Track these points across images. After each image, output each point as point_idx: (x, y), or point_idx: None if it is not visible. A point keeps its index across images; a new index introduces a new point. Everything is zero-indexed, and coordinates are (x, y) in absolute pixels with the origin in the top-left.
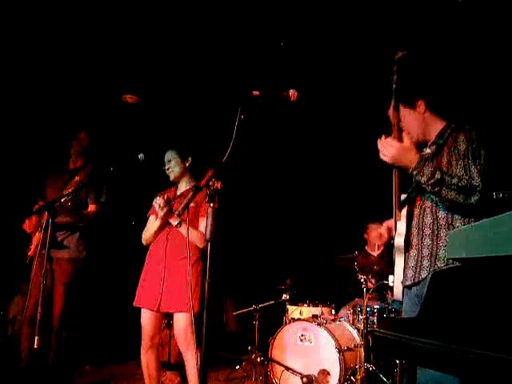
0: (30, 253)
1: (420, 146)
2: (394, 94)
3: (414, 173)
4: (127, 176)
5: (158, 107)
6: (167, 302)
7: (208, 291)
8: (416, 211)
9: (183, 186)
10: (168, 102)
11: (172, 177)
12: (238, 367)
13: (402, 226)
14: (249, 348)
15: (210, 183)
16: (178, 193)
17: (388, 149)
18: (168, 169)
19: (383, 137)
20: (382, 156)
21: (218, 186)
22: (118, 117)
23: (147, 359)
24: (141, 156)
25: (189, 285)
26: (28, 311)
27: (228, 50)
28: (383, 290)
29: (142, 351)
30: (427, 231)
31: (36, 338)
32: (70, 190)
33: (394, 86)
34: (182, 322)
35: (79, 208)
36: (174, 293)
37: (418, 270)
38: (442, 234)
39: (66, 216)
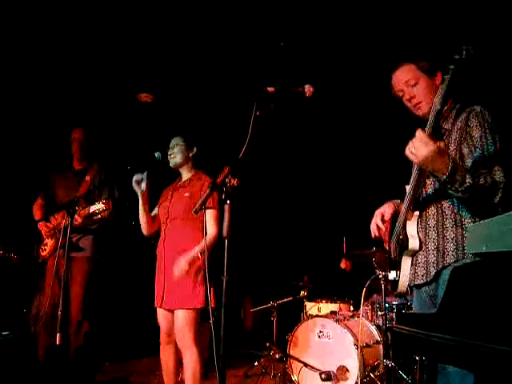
0: (44, 253)
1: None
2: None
3: (447, 180)
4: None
5: (173, 106)
6: (169, 298)
7: (225, 288)
8: (420, 199)
9: (184, 176)
10: (183, 100)
11: (172, 163)
12: (256, 363)
13: (413, 228)
14: (267, 344)
15: (227, 180)
16: (180, 183)
17: (420, 147)
18: (170, 154)
19: (419, 131)
20: (408, 152)
21: (235, 183)
22: (134, 115)
23: (165, 355)
24: (157, 154)
25: (190, 279)
26: (44, 310)
27: (243, 46)
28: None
29: (161, 347)
30: (432, 223)
31: (58, 335)
32: (86, 190)
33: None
34: (179, 319)
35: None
36: (174, 288)
37: (426, 266)
38: (447, 225)
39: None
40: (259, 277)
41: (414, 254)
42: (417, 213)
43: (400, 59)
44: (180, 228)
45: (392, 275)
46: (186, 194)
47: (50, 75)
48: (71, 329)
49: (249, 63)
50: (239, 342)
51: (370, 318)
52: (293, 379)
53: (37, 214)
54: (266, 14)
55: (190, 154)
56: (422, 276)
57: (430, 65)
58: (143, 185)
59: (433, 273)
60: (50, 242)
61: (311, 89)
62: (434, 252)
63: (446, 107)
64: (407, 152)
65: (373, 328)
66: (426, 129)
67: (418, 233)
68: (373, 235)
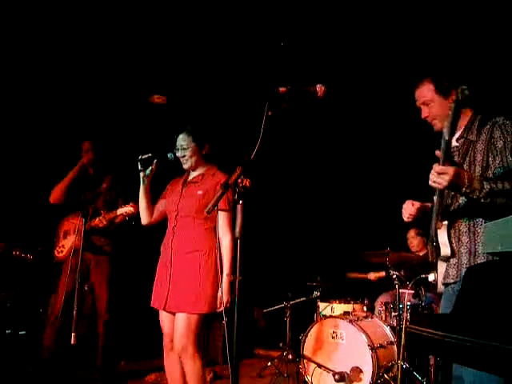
0: (61, 255)
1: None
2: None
3: (467, 191)
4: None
5: (185, 107)
6: (173, 300)
7: (238, 288)
8: (450, 209)
9: (196, 172)
10: (196, 101)
11: (188, 166)
12: (269, 364)
13: (443, 236)
14: (280, 345)
15: (239, 181)
16: (190, 177)
17: (442, 177)
18: (184, 156)
19: (436, 166)
20: (432, 183)
21: (247, 183)
22: (147, 117)
23: (170, 363)
24: (170, 155)
25: (197, 281)
26: (54, 310)
27: (255, 47)
28: (416, 286)
29: (164, 354)
30: (464, 229)
31: (73, 334)
32: (102, 198)
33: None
34: (179, 324)
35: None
36: (179, 290)
37: (458, 267)
38: (478, 231)
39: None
40: (273, 277)
41: (447, 259)
42: (445, 222)
43: (412, 64)
44: (191, 227)
45: (431, 277)
46: (200, 192)
47: (63, 78)
48: (100, 329)
49: (261, 63)
50: (252, 342)
51: (383, 318)
52: (306, 380)
53: (57, 194)
54: (278, 15)
55: (204, 152)
56: (453, 276)
57: (447, 81)
58: (149, 169)
59: (463, 273)
60: (67, 242)
61: (323, 88)
62: (466, 254)
63: (467, 119)
64: (431, 183)
65: (387, 329)
66: (440, 161)
67: (449, 241)
68: (405, 219)
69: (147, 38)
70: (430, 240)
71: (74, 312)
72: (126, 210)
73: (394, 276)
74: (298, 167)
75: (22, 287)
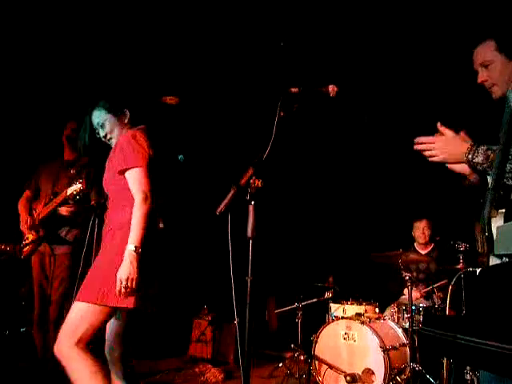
0: (26, 249)
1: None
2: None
3: (470, 157)
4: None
5: (198, 108)
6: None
7: (250, 289)
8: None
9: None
10: (208, 102)
11: (115, 142)
12: (280, 365)
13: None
14: (292, 346)
15: (251, 181)
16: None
17: (440, 145)
18: (105, 136)
19: (423, 138)
20: (431, 157)
21: (259, 184)
22: (159, 118)
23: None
24: (181, 157)
25: (101, 264)
26: (35, 311)
27: (266, 47)
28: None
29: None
30: None
31: None
32: (65, 182)
33: None
34: (69, 313)
35: (82, 203)
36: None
37: None
38: None
39: (71, 207)
40: (284, 278)
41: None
42: (502, 210)
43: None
44: (110, 202)
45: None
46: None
47: (78, 79)
48: (50, 327)
49: (273, 64)
50: (264, 342)
51: (396, 320)
52: (317, 381)
53: (22, 211)
54: (290, 16)
55: (126, 120)
56: None
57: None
58: None
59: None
60: (30, 236)
61: (335, 88)
62: None
63: None
64: (429, 157)
65: (399, 330)
66: (502, 135)
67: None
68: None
69: (160, 41)
70: (482, 230)
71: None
72: (75, 188)
73: (407, 277)
74: (308, 167)
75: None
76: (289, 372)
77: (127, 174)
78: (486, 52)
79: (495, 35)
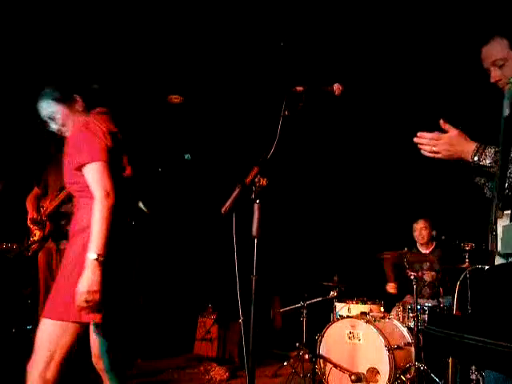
0: (33, 247)
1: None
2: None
3: (476, 158)
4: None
5: (202, 107)
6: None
7: (255, 288)
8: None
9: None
10: (213, 101)
11: (70, 134)
12: (285, 363)
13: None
14: (296, 344)
15: (256, 180)
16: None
17: (444, 142)
18: (60, 129)
19: (427, 134)
20: (432, 154)
21: (264, 183)
22: (164, 117)
23: None
24: (187, 156)
25: (63, 274)
26: (42, 307)
27: (271, 46)
28: (434, 288)
29: None
30: None
31: None
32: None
33: None
34: (38, 331)
35: None
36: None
37: None
38: None
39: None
40: (289, 277)
41: (506, 255)
42: (507, 212)
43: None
44: (76, 203)
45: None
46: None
47: (86, 78)
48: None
49: (278, 63)
50: (269, 341)
51: (401, 319)
52: (322, 380)
53: (29, 207)
54: (293, 14)
55: (77, 107)
56: None
57: None
58: None
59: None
60: (37, 232)
61: (340, 87)
62: None
63: None
64: (430, 153)
65: (404, 330)
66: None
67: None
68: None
69: (165, 40)
70: (490, 228)
71: None
72: None
73: (412, 277)
74: (313, 166)
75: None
76: (294, 371)
77: (84, 171)
78: (498, 50)
79: (507, 33)
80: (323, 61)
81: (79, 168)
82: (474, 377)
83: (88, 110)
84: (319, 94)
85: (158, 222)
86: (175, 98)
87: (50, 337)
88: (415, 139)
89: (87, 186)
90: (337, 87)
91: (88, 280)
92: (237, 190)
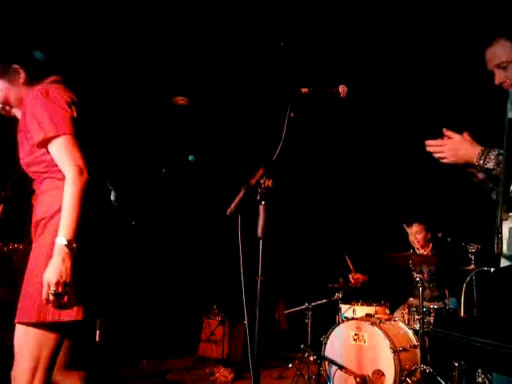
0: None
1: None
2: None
3: (481, 162)
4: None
5: (208, 109)
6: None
7: (260, 289)
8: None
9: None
10: (218, 102)
11: (13, 113)
12: (290, 365)
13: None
14: (302, 346)
15: (261, 181)
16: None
17: (449, 148)
18: (2, 107)
19: (432, 141)
20: (441, 158)
21: (269, 184)
22: (170, 118)
23: None
24: (191, 157)
25: (32, 269)
26: None
27: (276, 48)
28: (439, 289)
29: None
30: None
31: (97, 332)
32: None
33: None
34: (16, 339)
35: None
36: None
37: None
38: None
39: None
40: (294, 278)
41: (509, 257)
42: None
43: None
44: (37, 188)
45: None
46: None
47: (86, 80)
48: None
49: (283, 64)
50: (274, 343)
51: (406, 321)
52: (327, 382)
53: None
54: (298, 16)
55: (22, 80)
56: None
57: None
58: None
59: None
60: None
61: (345, 89)
62: None
63: None
64: (439, 158)
65: (410, 332)
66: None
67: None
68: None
69: (170, 42)
70: (496, 230)
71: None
72: None
73: (418, 278)
74: (318, 168)
75: None
76: (299, 373)
77: (50, 147)
78: (502, 53)
79: (511, 35)
80: (328, 63)
81: (42, 144)
82: (480, 379)
83: (37, 81)
84: (324, 96)
85: (163, 223)
86: (180, 100)
87: (31, 344)
88: (427, 148)
89: (54, 165)
90: (342, 89)
91: (56, 268)
92: (242, 192)
